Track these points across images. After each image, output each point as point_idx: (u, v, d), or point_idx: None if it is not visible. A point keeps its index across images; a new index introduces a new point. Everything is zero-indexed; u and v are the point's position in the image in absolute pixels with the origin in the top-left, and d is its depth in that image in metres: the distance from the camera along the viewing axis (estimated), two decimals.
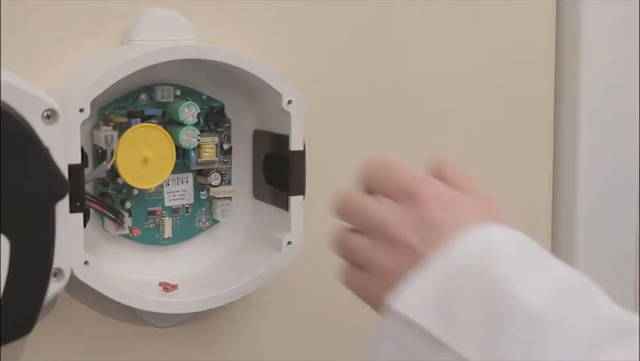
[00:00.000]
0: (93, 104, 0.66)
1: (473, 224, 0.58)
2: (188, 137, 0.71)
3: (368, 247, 0.61)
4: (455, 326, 0.55)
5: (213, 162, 0.74)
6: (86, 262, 0.67)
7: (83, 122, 0.66)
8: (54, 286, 0.66)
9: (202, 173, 0.74)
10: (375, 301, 0.60)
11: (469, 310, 0.55)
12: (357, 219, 0.62)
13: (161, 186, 0.73)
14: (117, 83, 0.67)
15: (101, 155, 0.70)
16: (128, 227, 0.72)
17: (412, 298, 0.57)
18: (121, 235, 0.73)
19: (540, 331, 0.53)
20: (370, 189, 0.63)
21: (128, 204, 0.72)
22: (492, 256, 0.57)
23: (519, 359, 0.52)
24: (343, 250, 0.63)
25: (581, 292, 0.56)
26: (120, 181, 0.71)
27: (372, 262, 0.61)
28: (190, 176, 0.74)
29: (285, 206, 0.73)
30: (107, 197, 0.72)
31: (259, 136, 0.75)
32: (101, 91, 0.66)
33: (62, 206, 0.64)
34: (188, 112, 0.71)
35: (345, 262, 0.63)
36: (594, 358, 0.52)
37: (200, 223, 0.75)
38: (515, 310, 0.54)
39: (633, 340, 0.52)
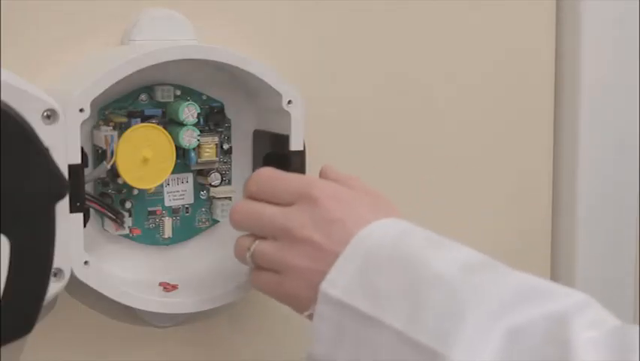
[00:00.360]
0: (93, 104, 0.66)
1: (376, 218, 0.63)
2: (188, 137, 0.71)
3: (276, 250, 0.65)
4: (382, 302, 0.60)
5: (213, 162, 0.74)
6: (86, 262, 0.67)
7: (83, 122, 0.66)
8: (54, 286, 0.66)
9: (202, 173, 0.74)
10: (293, 300, 0.65)
11: (392, 287, 0.60)
12: (257, 226, 0.66)
13: (161, 186, 0.73)
14: (117, 83, 0.67)
15: (101, 155, 0.70)
16: (128, 227, 0.72)
17: (340, 281, 0.61)
18: (121, 235, 0.73)
19: (457, 298, 0.57)
20: (260, 199, 0.66)
21: (128, 204, 0.72)
22: (404, 238, 0.62)
23: (442, 325, 0.57)
24: (241, 252, 0.67)
25: (488, 265, 0.60)
26: (120, 181, 0.71)
27: (284, 263, 0.64)
28: (190, 176, 0.74)
29: None
30: (107, 197, 0.72)
31: (259, 136, 0.75)
32: (101, 91, 0.66)
33: (62, 206, 0.64)
34: (188, 112, 0.71)
35: (252, 266, 0.67)
36: (507, 318, 0.56)
37: (200, 223, 0.75)
38: (433, 282, 0.58)
39: (540, 301, 0.57)
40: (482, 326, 0.56)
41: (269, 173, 0.68)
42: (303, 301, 0.64)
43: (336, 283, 0.61)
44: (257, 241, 0.66)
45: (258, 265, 0.67)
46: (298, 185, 0.66)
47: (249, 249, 0.66)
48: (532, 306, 0.57)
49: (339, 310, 0.61)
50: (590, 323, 0.56)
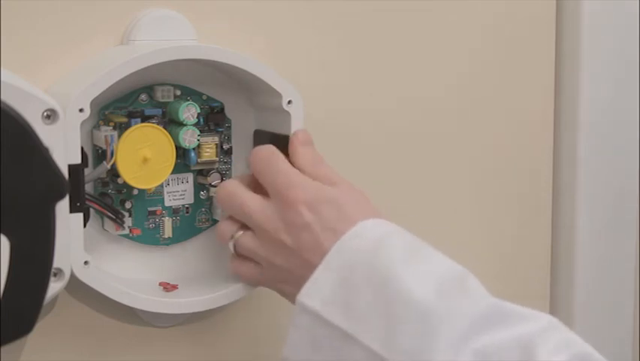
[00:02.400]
0: (93, 104, 0.66)
1: (360, 219, 0.64)
2: (188, 137, 0.71)
3: (257, 245, 0.68)
4: (359, 320, 0.61)
5: (213, 162, 0.74)
6: (86, 262, 0.67)
7: (83, 122, 0.66)
8: (54, 286, 0.66)
9: (202, 173, 0.74)
10: (275, 289, 0.69)
11: (368, 305, 0.61)
12: (238, 214, 0.69)
13: (161, 186, 0.73)
14: (117, 83, 0.67)
15: (101, 155, 0.70)
16: (128, 227, 0.72)
17: (317, 294, 0.63)
18: (121, 235, 0.73)
19: (430, 322, 0.59)
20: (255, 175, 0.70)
21: (128, 204, 0.72)
22: (379, 251, 0.63)
23: (416, 347, 0.59)
24: (224, 239, 0.70)
25: (459, 281, 0.62)
26: (120, 181, 0.71)
27: (265, 259, 0.68)
28: (190, 176, 0.74)
29: None
30: (107, 197, 0.72)
31: (259, 136, 0.75)
32: (101, 91, 0.66)
33: (62, 206, 0.64)
34: (188, 112, 0.71)
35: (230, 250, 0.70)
36: (477, 340, 0.58)
37: (200, 223, 0.75)
38: (407, 306, 0.60)
39: (509, 324, 0.59)
40: (453, 348, 0.58)
41: (265, 155, 0.69)
42: (286, 294, 0.68)
43: (314, 295, 0.63)
44: (240, 232, 0.69)
45: (240, 254, 0.70)
46: (281, 182, 0.67)
47: (232, 237, 0.69)
48: (501, 329, 0.59)
49: (316, 323, 0.63)
50: (557, 347, 0.58)
